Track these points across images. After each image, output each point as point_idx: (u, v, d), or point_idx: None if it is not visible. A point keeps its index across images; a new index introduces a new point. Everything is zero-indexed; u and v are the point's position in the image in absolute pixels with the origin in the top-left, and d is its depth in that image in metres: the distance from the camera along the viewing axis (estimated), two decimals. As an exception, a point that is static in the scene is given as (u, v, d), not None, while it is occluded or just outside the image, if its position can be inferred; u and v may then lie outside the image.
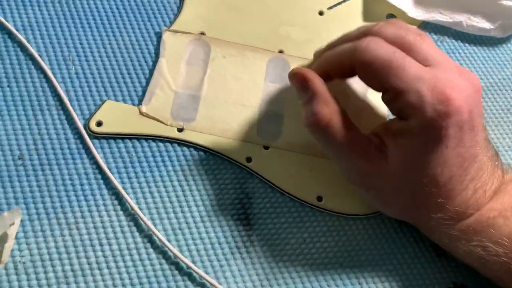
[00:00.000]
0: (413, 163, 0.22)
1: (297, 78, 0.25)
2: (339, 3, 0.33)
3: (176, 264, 0.25)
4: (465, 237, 0.23)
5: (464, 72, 0.23)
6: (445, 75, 0.22)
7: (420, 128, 0.22)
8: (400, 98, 0.22)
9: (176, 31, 0.30)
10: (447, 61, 0.23)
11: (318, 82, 0.24)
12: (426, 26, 0.34)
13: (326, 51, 0.26)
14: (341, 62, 0.24)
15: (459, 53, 0.34)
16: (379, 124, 0.25)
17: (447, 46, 0.34)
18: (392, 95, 0.23)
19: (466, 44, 0.35)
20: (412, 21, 0.34)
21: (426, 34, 0.24)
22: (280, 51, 0.31)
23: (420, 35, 0.24)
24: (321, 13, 0.33)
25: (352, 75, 0.25)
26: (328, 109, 0.23)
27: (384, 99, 0.24)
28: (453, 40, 0.34)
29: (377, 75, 0.23)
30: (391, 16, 0.34)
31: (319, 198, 0.27)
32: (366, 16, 0.33)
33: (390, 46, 0.23)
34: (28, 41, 0.28)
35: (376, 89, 0.24)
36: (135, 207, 0.25)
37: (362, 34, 0.24)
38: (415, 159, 0.22)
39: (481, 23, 0.34)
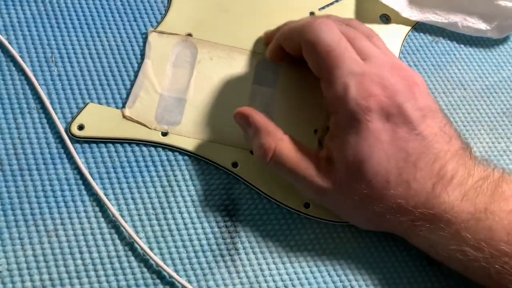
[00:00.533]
0: (354, 163, 0.22)
1: (239, 117, 0.25)
2: (331, 3, 0.33)
3: (158, 273, 0.24)
4: (442, 242, 0.22)
5: (397, 68, 0.24)
6: (375, 70, 0.23)
7: (346, 121, 0.23)
8: (330, 89, 0.23)
9: (162, 32, 0.29)
10: (384, 57, 0.24)
11: (257, 116, 0.25)
12: (420, 27, 0.33)
13: (284, 24, 0.28)
14: (291, 37, 0.26)
15: (454, 54, 0.33)
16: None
17: (442, 48, 0.33)
18: (326, 84, 0.24)
19: (462, 46, 0.34)
20: (406, 21, 0.33)
21: (376, 35, 0.26)
22: (269, 53, 0.30)
23: (368, 37, 0.25)
24: (312, 14, 0.32)
25: (300, 53, 0.25)
26: (272, 139, 0.24)
27: (322, 87, 0.24)
28: (448, 41, 0.34)
29: (317, 58, 0.24)
30: (384, 16, 0.33)
31: (306, 205, 0.26)
32: (359, 16, 0.33)
33: (338, 32, 0.24)
34: (10, 42, 0.28)
35: (315, 72, 0.25)
36: (117, 214, 0.25)
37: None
38: (354, 157, 0.22)
39: (477, 24, 0.33)
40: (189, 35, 0.30)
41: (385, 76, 0.23)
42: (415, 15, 0.32)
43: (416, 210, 0.22)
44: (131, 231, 0.24)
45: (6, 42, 0.27)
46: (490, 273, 0.21)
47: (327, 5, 0.32)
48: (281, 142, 0.24)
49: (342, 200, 0.24)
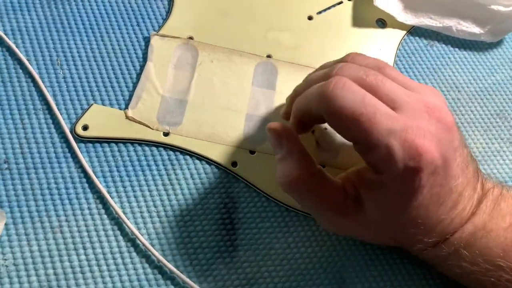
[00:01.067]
0: (390, 213, 0.22)
1: (273, 134, 0.24)
2: (329, 8, 0.33)
3: (159, 269, 0.25)
4: (439, 260, 0.23)
5: (433, 110, 0.22)
6: (414, 122, 0.21)
7: (394, 183, 0.21)
8: (371, 153, 0.21)
9: (164, 36, 0.30)
10: (414, 97, 0.22)
11: (293, 140, 0.23)
12: (416, 31, 0.34)
13: (297, 98, 0.24)
14: (310, 109, 0.23)
15: (449, 57, 0.34)
16: (352, 170, 0.24)
17: (437, 51, 0.34)
18: (363, 148, 0.22)
19: (456, 49, 0.34)
20: (401, 25, 0.34)
21: (387, 65, 0.23)
22: (268, 56, 0.31)
23: (380, 70, 0.23)
24: (310, 18, 0.33)
25: (323, 121, 0.23)
26: (301, 169, 0.22)
27: (356, 149, 0.22)
28: (443, 45, 0.34)
29: (346, 127, 0.21)
30: (380, 21, 0.34)
31: (304, 203, 0.27)
32: (356, 21, 0.33)
33: (359, 90, 0.21)
34: (17, 46, 0.29)
35: (349, 139, 0.22)
36: (119, 211, 0.25)
37: (326, 75, 0.23)
38: (392, 208, 0.22)
39: (470, 28, 0.33)
40: (190, 38, 0.31)
41: (426, 125, 0.21)
42: (410, 19, 0.33)
43: (429, 240, 0.22)
44: (133, 227, 0.25)
45: (13, 46, 0.28)
46: (486, 285, 0.22)
47: (325, 10, 0.33)
48: (310, 176, 0.22)
49: (368, 235, 0.24)
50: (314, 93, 0.22)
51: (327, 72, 0.23)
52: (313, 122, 0.25)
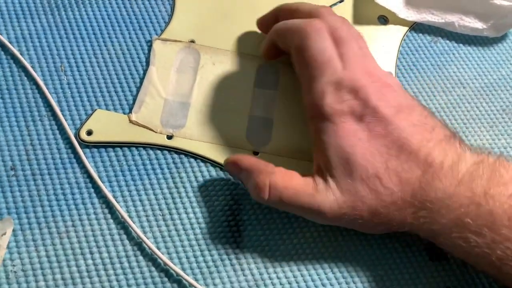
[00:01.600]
0: (340, 160, 0.23)
1: (229, 166, 0.26)
2: (330, 7, 0.33)
3: (165, 272, 0.25)
4: (445, 231, 0.22)
5: (370, 72, 0.25)
6: (350, 76, 0.24)
7: (323, 124, 0.24)
8: (309, 95, 0.25)
9: (166, 40, 0.30)
10: (361, 62, 0.25)
11: (245, 159, 0.25)
12: (419, 27, 0.34)
13: (278, 23, 0.28)
14: (285, 38, 0.27)
15: (453, 54, 0.34)
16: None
17: (441, 47, 0.34)
18: (305, 90, 0.26)
19: (461, 45, 0.34)
20: (403, 22, 0.33)
21: (362, 38, 0.27)
22: (270, 57, 0.31)
23: (352, 35, 0.26)
24: (311, 18, 0.33)
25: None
26: (264, 176, 0.24)
27: (302, 91, 0.26)
28: (447, 41, 0.34)
29: (302, 64, 0.26)
30: (382, 17, 0.34)
31: (309, 204, 0.27)
32: (357, 18, 0.33)
33: (327, 40, 0.25)
34: (21, 53, 0.29)
35: (299, 77, 0.26)
36: (125, 215, 0.25)
37: (309, 13, 0.27)
38: (339, 155, 0.24)
39: (473, 23, 0.33)
40: (192, 41, 0.31)
41: (358, 80, 0.24)
42: (412, 15, 0.33)
43: (415, 200, 0.23)
44: (139, 231, 0.25)
45: (18, 54, 0.29)
46: (492, 259, 0.21)
47: (326, 9, 0.33)
48: (274, 176, 0.24)
49: (353, 217, 0.24)
50: (294, 26, 0.26)
51: (311, 11, 0.27)
52: (281, 52, 0.29)
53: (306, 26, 0.25)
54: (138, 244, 0.25)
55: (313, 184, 0.24)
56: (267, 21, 0.30)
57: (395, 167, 0.23)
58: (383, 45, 0.33)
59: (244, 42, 0.31)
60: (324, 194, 0.23)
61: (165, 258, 0.25)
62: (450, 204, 0.22)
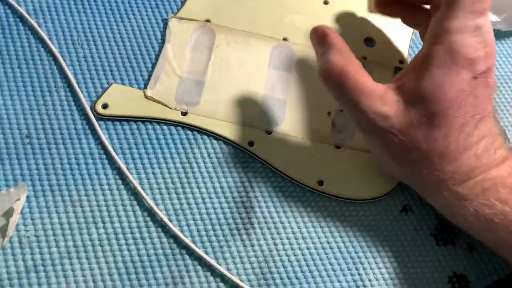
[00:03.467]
0: (428, 92, 0.23)
1: (316, 33, 0.25)
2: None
3: (176, 243, 0.25)
4: (471, 195, 0.23)
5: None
6: (488, 29, 0.23)
7: (443, 55, 0.23)
8: (448, 19, 0.23)
9: (182, 18, 0.31)
10: None
11: (334, 36, 0.25)
12: (432, 18, 0.34)
13: None
14: None
15: (465, 45, 0.34)
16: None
17: (453, 38, 0.34)
18: (443, 12, 0.23)
19: (472, 37, 0.34)
20: (417, 12, 0.34)
21: None
22: (284, 39, 0.31)
23: None
24: (326, 3, 0.33)
25: None
26: (342, 58, 0.24)
27: (433, 15, 0.24)
28: (459, 33, 0.34)
29: None
30: (396, 7, 0.34)
31: (320, 183, 0.27)
32: (370, 9, 0.33)
33: None
34: (39, 25, 0.29)
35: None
36: (138, 186, 0.26)
37: None
38: (431, 88, 0.23)
39: (487, 15, 0.33)
40: (208, 21, 0.31)
41: (491, 38, 0.23)
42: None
43: (464, 161, 0.23)
44: (151, 202, 0.25)
45: (36, 25, 0.29)
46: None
47: (341, -5, 0.33)
48: (350, 64, 0.24)
49: (400, 131, 0.23)
50: None
51: None
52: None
53: None
54: (149, 215, 0.25)
55: (382, 92, 0.24)
56: None
57: (469, 132, 0.23)
58: (395, 36, 0.33)
59: (259, 23, 0.31)
60: (387, 105, 0.23)
61: (176, 230, 0.25)
62: (490, 173, 0.23)
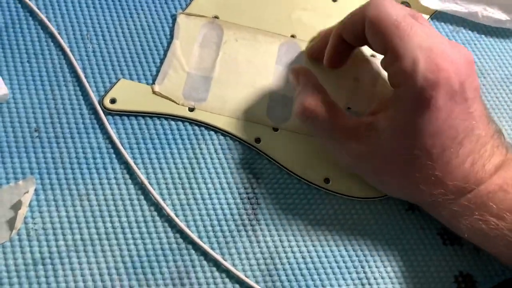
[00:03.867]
0: (404, 133, 0.23)
1: (292, 73, 0.27)
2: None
3: (182, 238, 0.25)
4: (466, 212, 0.23)
5: (456, 45, 0.24)
6: (440, 46, 0.23)
7: (410, 96, 0.22)
8: (396, 62, 0.23)
9: (190, 14, 0.31)
10: (442, 36, 0.24)
11: (308, 76, 0.26)
12: (442, 16, 0.34)
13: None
14: (353, 22, 0.25)
15: (475, 44, 0.34)
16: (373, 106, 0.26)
17: (463, 37, 0.34)
18: (390, 58, 0.23)
19: (482, 36, 0.34)
20: (425, 10, 0.33)
21: (421, 15, 0.25)
22: (292, 36, 0.31)
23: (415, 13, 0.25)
24: (334, 0, 0.33)
25: (363, 38, 0.25)
26: (314, 99, 0.25)
27: (383, 62, 0.24)
28: (469, 32, 0.34)
29: (383, 34, 0.23)
30: (404, 3, 0.34)
31: (327, 180, 0.27)
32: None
33: (403, 8, 0.24)
34: (49, 20, 0.29)
35: (379, 50, 0.24)
36: (145, 181, 0.26)
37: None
38: (406, 129, 0.23)
39: (496, 14, 0.33)
40: (216, 17, 0.31)
41: (449, 52, 0.23)
42: (435, 3, 0.33)
43: (451, 183, 0.23)
44: (158, 197, 0.26)
45: (45, 20, 0.29)
46: (510, 240, 0.22)
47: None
48: (322, 104, 0.25)
49: (378, 165, 0.24)
50: (360, 7, 0.25)
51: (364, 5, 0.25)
52: (349, 39, 0.26)
53: (375, 0, 0.24)
54: (156, 210, 0.26)
55: (356, 127, 0.24)
56: (319, 48, 0.29)
57: (450, 153, 0.23)
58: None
59: (267, 19, 0.31)
60: (364, 142, 0.24)
61: (182, 225, 0.25)
62: (481, 190, 0.23)
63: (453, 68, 0.22)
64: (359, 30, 0.25)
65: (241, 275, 0.24)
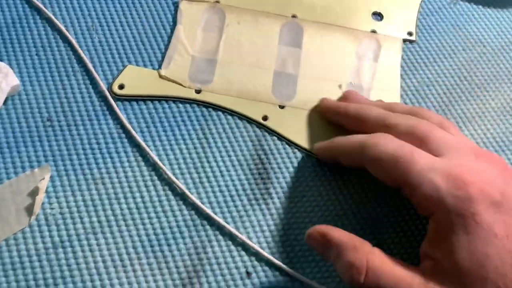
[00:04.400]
0: (471, 267, 0.19)
1: (315, 238, 0.23)
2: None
3: (197, 214, 0.26)
4: None
5: (482, 154, 0.22)
6: (458, 161, 0.21)
7: (448, 220, 0.20)
8: (415, 192, 0.21)
9: (192, 0, 0.31)
10: (463, 146, 0.22)
11: (337, 233, 0.22)
12: (438, -10, 0.35)
13: (337, 138, 0.26)
14: (350, 156, 0.25)
15: (472, 14, 0.34)
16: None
17: (460, 9, 0.34)
18: (407, 191, 0.22)
19: (480, 6, 0.35)
20: (423, -16, 0.34)
21: (446, 120, 0.24)
22: (294, 16, 0.32)
23: (438, 122, 0.23)
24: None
25: (362, 165, 0.24)
26: (361, 255, 0.21)
27: (405, 195, 0.23)
28: (466, 3, 0.35)
29: (386, 171, 0.22)
30: None
31: (335, 152, 0.28)
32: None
33: (398, 141, 0.22)
34: (55, 15, 0.30)
35: (390, 184, 0.23)
36: (158, 161, 0.26)
37: (376, 125, 0.25)
38: (470, 260, 0.19)
39: (493, -17, 0.34)
40: (217, 1, 0.32)
41: (472, 164, 0.21)
42: (433, -23, 0.34)
43: None
44: (171, 175, 0.26)
45: (52, 16, 0.30)
46: None
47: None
48: (372, 256, 0.21)
49: None
50: (357, 142, 0.24)
51: (381, 118, 0.25)
52: (346, 165, 0.26)
53: (370, 140, 0.23)
54: (170, 189, 0.26)
55: (420, 274, 0.20)
56: (334, 108, 0.28)
57: None
58: (403, 8, 0.33)
59: (268, 1, 0.32)
60: None
61: (196, 200, 0.26)
62: None
63: (482, 178, 0.20)
64: (355, 163, 0.25)
65: (257, 247, 0.25)
